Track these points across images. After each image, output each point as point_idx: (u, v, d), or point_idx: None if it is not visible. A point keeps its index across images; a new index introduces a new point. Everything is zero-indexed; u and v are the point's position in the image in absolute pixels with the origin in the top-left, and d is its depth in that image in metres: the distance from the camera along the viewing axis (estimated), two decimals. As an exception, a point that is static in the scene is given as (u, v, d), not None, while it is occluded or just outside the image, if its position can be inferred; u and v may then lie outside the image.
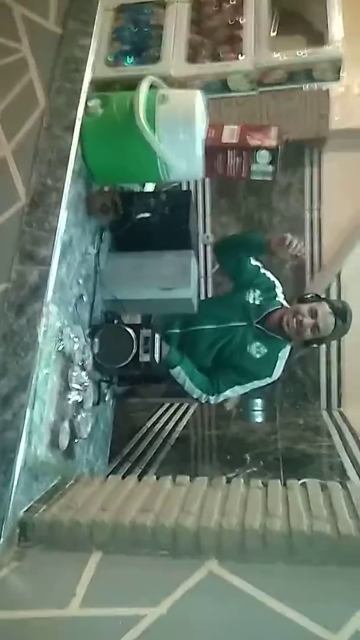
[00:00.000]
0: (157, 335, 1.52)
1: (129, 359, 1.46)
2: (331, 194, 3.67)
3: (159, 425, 2.66)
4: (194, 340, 1.92)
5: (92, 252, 1.50)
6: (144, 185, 1.85)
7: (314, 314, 1.83)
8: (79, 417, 1.24)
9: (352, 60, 3.52)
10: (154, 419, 2.77)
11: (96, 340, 1.48)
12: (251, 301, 1.95)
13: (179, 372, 1.82)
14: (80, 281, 1.42)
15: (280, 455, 2.21)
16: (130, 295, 1.63)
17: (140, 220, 1.66)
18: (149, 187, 1.88)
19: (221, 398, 1.87)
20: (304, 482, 1.20)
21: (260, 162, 1.49)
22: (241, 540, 0.99)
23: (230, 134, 1.49)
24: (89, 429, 1.30)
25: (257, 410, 3.07)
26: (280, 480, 1.81)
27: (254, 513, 1.03)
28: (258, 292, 1.96)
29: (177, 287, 1.60)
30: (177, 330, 1.96)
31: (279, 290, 1.99)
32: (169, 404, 2.94)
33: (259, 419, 2.98)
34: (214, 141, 1.48)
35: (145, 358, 1.47)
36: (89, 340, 1.46)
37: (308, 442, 2.40)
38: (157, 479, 1.24)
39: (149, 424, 2.63)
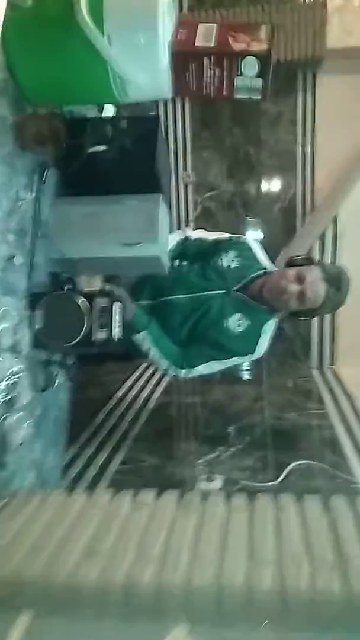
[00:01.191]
0: (117, 305, 1.21)
1: (79, 336, 1.15)
2: (326, 124, 3.27)
3: (132, 394, 2.41)
4: (165, 312, 1.61)
5: (26, 198, 1.16)
6: (101, 110, 1.48)
7: (301, 279, 1.50)
8: (7, 420, 0.95)
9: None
10: (126, 387, 2.51)
11: (37, 312, 1.16)
12: (225, 264, 1.62)
13: (143, 338, 1.52)
14: (11, 237, 1.09)
15: (268, 428, 1.97)
16: (83, 252, 1.30)
17: (93, 155, 1.31)
18: (109, 111, 1.51)
19: (194, 373, 1.58)
20: (302, 498, 0.94)
21: (247, 74, 1.13)
22: (218, 599, 0.73)
23: (206, 36, 1.11)
24: (22, 432, 1.01)
25: (243, 371, 2.81)
26: (268, 461, 1.57)
27: (236, 558, 0.77)
28: (232, 253, 1.62)
29: (142, 241, 1.28)
30: (146, 302, 1.63)
31: (258, 250, 1.66)
32: (144, 367, 2.67)
33: (244, 380, 2.73)
34: (184, 45, 1.11)
35: (101, 335, 1.17)
36: (26, 313, 1.14)
37: (298, 410, 2.17)
38: (115, 493, 0.97)
39: (119, 394, 2.37)
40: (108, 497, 0.97)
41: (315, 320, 2.88)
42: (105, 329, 1.17)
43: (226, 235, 1.69)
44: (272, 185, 3.38)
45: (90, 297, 1.19)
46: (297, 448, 1.79)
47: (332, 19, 3.07)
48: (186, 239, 1.70)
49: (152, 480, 1.56)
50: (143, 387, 2.50)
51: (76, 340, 1.17)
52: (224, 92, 1.18)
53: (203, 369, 1.58)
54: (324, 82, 3.28)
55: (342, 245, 2.70)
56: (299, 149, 3.29)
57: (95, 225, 1.30)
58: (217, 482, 1.53)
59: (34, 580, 0.77)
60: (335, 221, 2.72)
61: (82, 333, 1.17)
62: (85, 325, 1.17)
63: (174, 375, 1.61)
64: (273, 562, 0.76)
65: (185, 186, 3.46)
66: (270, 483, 1.53)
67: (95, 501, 0.96)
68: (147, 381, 2.59)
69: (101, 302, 1.18)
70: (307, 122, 3.29)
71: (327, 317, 2.84)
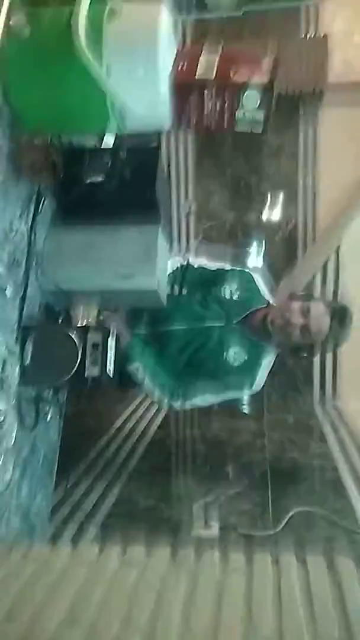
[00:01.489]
0: (110, 340, 1.15)
1: (71, 372, 1.09)
2: (328, 157, 3.26)
3: (127, 427, 2.33)
4: (162, 342, 1.55)
5: (20, 229, 1.11)
6: (101, 141, 1.45)
7: (305, 312, 1.46)
8: (-11, 465, 0.88)
9: (353, 6, 3.09)
10: (122, 420, 2.43)
11: (28, 346, 1.11)
12: (227, 296, 1.58)
13: (137, 369, 1.47)
14: (1, 269, 1.04)
15: (268, 468, 1.89)
16: (78, 283, 1.25)
17: (91, 185, 1.28)
18: (108, 142, 1.48)
19: (187, 405, 1.52)
20: (304, 558, 0.87)
21: (248, 107, 1.10)
22: None
23: (207, 67, 1.09)
24: (8, 475, 0.94)
25: (242, 405, 2.74)
26: (269, 506, 1.49)
27: (231, 632, 0.70)
28: (234, 285, 1.58)
29: (138, 273, 1.23)
30: (143, 331, 1.58)
31: (260, 283, 1.62)
32: (141, 399, 2.59)
33: (244, 414, 2.65)
34: (185, 77, 1.08)
35: (93, 372, 1.11)
36: (16, 347, 1.09)
37: (300, 450, 2.09)
38: (101, 550, 0.90)
39: (114, 427, 2.29)
40: (95, 553, 0.89)
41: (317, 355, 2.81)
42: (98, 366, 1.11)
43: (229, 266, 1.65)
44: (273, 215, 3.36)
45: (83, 331, 1.13)
46: (298, 491, 1.71)
47: (334, 53, 3.10)
48: (187, 265, 1.66)
49: (146, 525, 1.48)
50: (139, 420, 2.42)
51: (67, 377, 1.11)
52: (225, 125, 1.15)
53: (197, 401, 1.53)
54: (326, 116, 3.29)
55: (344, 277, 2.66)
56: (301, 181, 3.28)
57: (92, 256, 1.25)
58: (214, 529, 1.45)
59: (8, 652, 0.69)
60: (337, 252, 2.69)
61: (74, 369, 1.11)
62: (77, 362, 1.11)
63: (168, 407, 1.55)
64: (272, 638, 0.68)
65: (187, 215, 3.44)
66: (269, 533, 1.44)
67: (80, 557, 0.89)
68: (143, 414, 2.52)
69: (95, 337, 1.12)
70: (309, 154, 3.29)
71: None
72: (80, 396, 2.34)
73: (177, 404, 1.52)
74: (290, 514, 1.53)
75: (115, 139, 1.52)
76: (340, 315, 1.47)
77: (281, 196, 3.31)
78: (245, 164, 3.32)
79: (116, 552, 0.89)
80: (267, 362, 1.53)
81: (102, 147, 1.44)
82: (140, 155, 1.33)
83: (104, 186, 1.28)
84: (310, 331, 1.45)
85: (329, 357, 2.77)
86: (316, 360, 2.79)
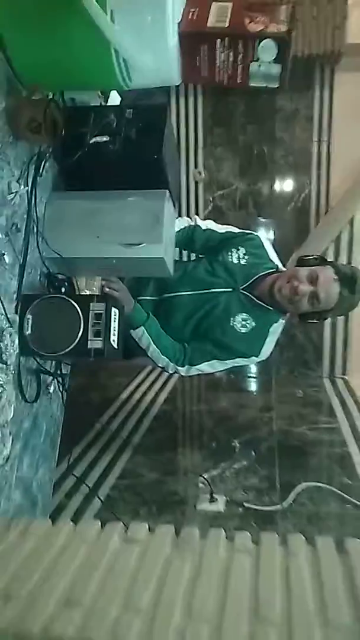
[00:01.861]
0: (114, 311, 1.10)
1: (73, 343, 1.05)
2: (344, 123, 3.14)
3: (133, 400, 2.30)
4: (168, 309, 1.51)
5: (19, 191, 1.05)
6: (106, 99, 1.37)
7: (313, 279, 1.41)
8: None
9: None
10: (128, 392, 2.41)
11: (28, 316, 1.06)
12: (235, 261, 1.52)
13: (142, 334, 1.44)
14: (0, 234, 0.99)
15: (276, 442, 1.86)
16: (81, 252, 1.20)
17: (95, 146, 1.21)
18: (114, 101, 1.40)
19: (194, 371, 1.49)
20: (313, 540, 0.83)
21: (263, 59, 1.01)
22: (216, 665, 0.62)
23: (219, 15, 1.01)
24: (7, 449, 0.91)
25: (251, 378, 2.70)
26: (276, 481, 1.46)
27: (237, 616, 0.66)
28: (242, 249, 1.52)
29: (145, 242, 1.17)
30: (149, 298, 1.54)
31: (269, 248, 1.55)
32: (148, 370, 2.56)
33: (252, 388, 2.62)
34: (195, 25, 1.00)
35: (96, 344, 1.06)
36: (16, 317, 1.04)
37: (308, 424, 2.05)
38: (102, 525, 0.86)
39: (119, 400, 2.27)
40: (96, 530, 0.86)
41: (327, 327, 2.76)
42: (101, 336, 1.06)
43: (237, 229, 1.59)
44: (285, 184, 3.26)
45: (86, 301, 1.08)
46: (306, 466, 1.67)
47: (353, 13, 2.94)
48: (195, 227, 1.60)
49: (151, 499, 1.46)
50: (145, 393, 2.39)
51: (69, 348, 1.06)
52: (238, 79, 1.07)
53: (204, 367, 1.50)
54: (343, 80, 3.15)
55: (357, 250, 2.58)
56: (315, 148, 3.16)
57: (94, 223, 1.19)
58: (220, 504, 1.42)
59: (2, 632, 0.66)
60: (351, 224, 2.60)
61: (76, 340, 1.06)
62: (80, 332, 1.06)
63: (173, 372, 1.52)
64: (280, 624, 0.65)
65: (196, 184, 3.35)
66: (276, 507, 1.42)
67: (81, 534, 0.86)
68: (149, 388, 2.49)
69: (97, 307, 1.07)
70: (324, 120, 3.16)
71: (340, 323, 2.71)
72: (84, 369, 2.33)
73: (183, 370, 1.49)
74: (298, 488, 1.50)
75: (121, 97, 1.45)
76: (350, 281, 1.41)
77: (294, 164, 3.21)
78: (258, 131, 3.20)
79: (118, 529, 0.85)
80: (276, 329, 1.49)
81: (106, 105, 1.37)
82: (147, 114, 1.25)
83: (108, 147, 1.21)
84: (319, 299, 1.39)
85: (339, 331, 2.71)
86: (326, 334, 2.74)
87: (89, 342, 1.07)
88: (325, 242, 2.68)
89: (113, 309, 1.11)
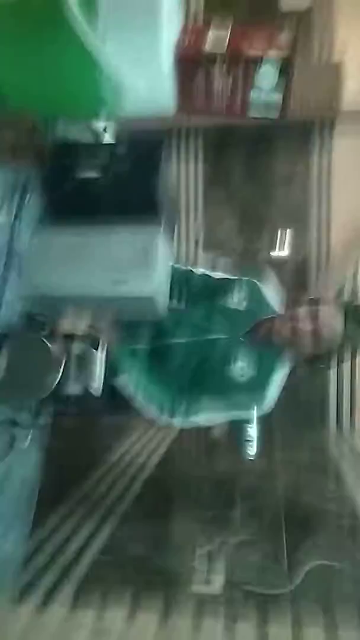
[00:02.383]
0: (99, 352, 0.98)
1: (49, 390, 0.91)
2: (342, 185, 3.16)
3: (123, 462, 2.12)
4: (162, 357, 1.39)
5: (0, 221, 0.96)
6: (97, 136, 1.32)
7: (313, 317, 1.29)
8: None
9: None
10: (119, 453, 2.22)
11: (2, 357, 0.94)
12: (233, 306, 1.42)
13: (126, 381, 1.29)
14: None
15: (280, 512, 1.67)
16: (65, 289, 1.09)
17: (85, 181, 1.14)
18: (108, 137, 1.36)
19: (188, 424, 1.33)
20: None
21: (263, 86, 0.96)
22: None
23: (217, 41, 0.96)
24: None
25: (251, 441, 2.51)
26: (283, 558, 1.28)
27: None
28: (241, 294, 1.42)
29: (134, 278, 1.07)
30: (142, 347, 1.42)
31: (268, 294, 1.46)
32: (142, 431, 2.39)
33: (253, 452, 2.43)
34: (191, 50, 0.95)
35: (75, 390, 0.93)
36: (-14, 357, 0.92)
37: (317, 491, 1.86)
38: (72, 612, 0.70)
39: (108, 461, 2.08)
40: (61, 617, 0.69)
41: (332, 384, 2.61)
42: (81, 383, 0.93)
43: (233, 276, 1.50)
44: (284, 244, 3.23)
45: (66, 341, 0.96)
46: (315, 541, 1.48)
47: (348, 83, 3.04)
48: (190, 272, 1.50)
49: (136, 578, 1.26)
50: (137, 455, 2.21)
51: (45, 395, 0.93)
52: (237, 109, 1.01)
53: (200, 419, 1.34)
54: (340, 144, 3.21)
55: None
56: (314, 209, 3.16)
57: (82, 258, 1.10)
58: (217, 585, 1.22)
59: None
60: (355, 277, 2.53)
61: (52, 386, 0.93)
62: (57, 377, 0.93)
63: (167, 424, 1.36)
64: None
65: (196, 243, 3.33)
66: (282, 591, 1.22)
67: (44, 621, 0.69)
68: (143, 448, 2.31)
69: (79, 348, 0.95)
70: (322, 182, 3.18)
71: (346, 380, 2.57)
72: (69, 427, 2.15)
73: (177, 421, 1.33)
74: (307, 567, 1.30)
75: (116, 137, 1.40)
76: (354, 314, 1.29)
77: (293, 225, 3.20)
78: (256, 191, 3.22)
79: (88, 617, 0.68)
80: (279, 377, 1.35)
81: (98, 142, 1.32)
82: (142, 149, 1.19)
83: (99, 182, 1.14)
84: (322, 336, 1.27)
85: (346, 387, 2.56)
86: (332, 391, 2.59)
87: (66, 388, 0.94)
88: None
89: (98, 353, 0.99)
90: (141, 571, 1.29)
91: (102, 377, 1.00)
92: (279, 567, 1.32)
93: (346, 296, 2.61)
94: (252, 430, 2.35)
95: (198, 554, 1.36)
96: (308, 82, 2.93)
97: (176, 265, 1.54)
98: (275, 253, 3.21)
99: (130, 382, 1.29)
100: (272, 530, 1.52)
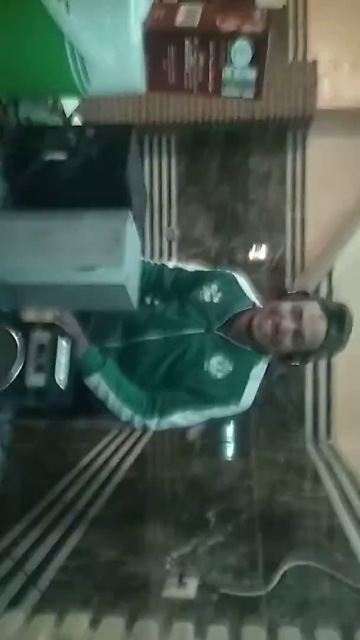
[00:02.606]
0: (63, 342, 0.92)
1: (7, 382, 0.85)
2: (316, 185, 3.17)
3: (95, 465, 2.05)
4: (135, 355, 1.32)
5: None
6: (64, 118, 1.27)
7: (297, 315, 1.25)
8: None
9: (343, 36, 3.07)
10: (90, 456, 2.15)
11: None
12: (207, 299, 1.36)
13: (98, 382, 1.22)
14: None
15: (256, 513, 1.63)
16: (29, 277, 1.03)
17: (51, 164, 1.08)
18: (75, 121, 1.30)
19: (165, 424, 1.27)
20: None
21: (237, 63, 0.92)
22: None
23: (188, 15, 0.91)
24: None
25: (226, 442, 2.48)
26: (258, 559, 1.24)
27: None
28: (215, 286, 1.37)
29: (102, 265, 1.01)
30: (115, 345, 1.35)
31: (244, 284, 1.41)
32: (115, 433, 2.33)
33: (229, 454, 2.38)
34: (162, 24, 0.91)
35: (37, 382, 0.86)
36: None
37: (293, 492, 1.83)
38: (33, 615, 0.64)
39: (79, 464, 2.01)
40: (20, 624, 0.63)
41: (309, 385, 2.59)
42: (43, 373, 0.87)
43: (207, 268, 1.45)
44: (260, 244, 3.22)
45: (27, 329, 0.89)
46: (292, 541, 1.44)
47: (323, 81, 3.04)
48: (163, 266, 1.45)
49: (106, 584, 1.20)
50: (110, 458, 2.14)
51: (3, 387, 0.86)
52: (210, 88, 0.96)
53: (176, 419, 1.27)
54: (314, 143, 3.22)
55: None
56: (289, 208, 3.16)
57: (47, 244, 1.03)
58: (190, 589, 1.16)
59: None
60: (329, 277, 2.52)
61: (11, 377, 0.86)
62: (17, 367, 0.87)
63: (142, 428, 1.29)
64: None
65: (169, 243, 3.29)
66: (258, 592, 1.17)
67: (3, 626, 0.62)
68: (116, 450, 2.24)
69: (40, 337, 0.88)
70: (297, 181, 3.19)
71: (322, 381, 2.55)
72: (39, 429, 2.09)
73: (152, 423, 1.26)
74: (284, 568, 1.26)
75: (84, 119, 1.36)
76: (338, 318, 1.25)
77: (268, 224, 3.19)
78: (232, 191, 3.20)
79: (49, 623, 0.62)
80: (257, 373, 1.30)
81: (65, 123, 1.26)
82: (111, 133, 1.14)
83: (66, 165, 1.08)
84: (304, 338, 1.23)
85: (322, 390, 2.55)
86: (308, 394, 2.57)
87: (27, 379, 0.87)
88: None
89: (61, 341, 0.93)
90: (112, 577, 1.23)
91: (68, 368, 0.94)
92: (254, 568, 1.28)
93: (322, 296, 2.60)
94: (230, 431, 2.31)
95: (171, 557, 1.31)
96: (283, 81, 2.94)
97: (147, 260, 1.50)
98: (252, 254, 3.20)
99: (102, 382, 1.22)
100: (248, 532, 1.47)
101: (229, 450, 2.42)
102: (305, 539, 1.46)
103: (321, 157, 3.18)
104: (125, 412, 1.25)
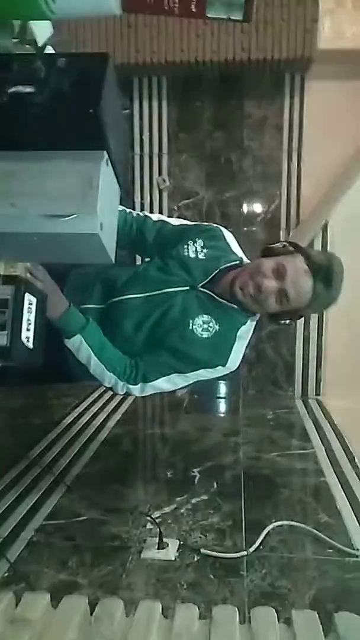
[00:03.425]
0: (29, 298, 0.84)
1: (-33, 339, 0.78)
2: (314, 132, 3.00)
3: (79, 423, 2.01)
4: (116, 316, 1.24)
5: None
6: (39, 47, 1.14)
7: (280, 273, 1.16)
8: None
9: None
10: (76, 413, 2.12)
11: None
12: (192, 255, 1.27)
13: (79, 345, 1.15)
14: None
15: (242, 471, 1.60)
16: (-8, 225, 0.93)
17: (16, 98, 0.96)
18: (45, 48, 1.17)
19: (149, 390, 1.21)
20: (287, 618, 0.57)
21: (224, -23, 0.80)
22: None
23: None
24: None
25: (215, 399, 2.45)
26: (242, 519, 1.21)
27: None
28: (200, 242, 1.27)
29: (73, 212, 0.92)
30: (95, 305, 1.27)
31: (231, 240, 1.32)
32: (102, 390, 2.28)
33: (217, 410, 2.36)
34: None
35: (1, 340, 0.79)
36: None
37: (279, 449, 1.80)
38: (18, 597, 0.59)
39: (63, 423, 1.98)
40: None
41: (299, 342, 2.54)
42: (5, 332, 0.79)
43: (193, 222, 1.36)
44: (254, 194, 3.08)
45: (-13, 283, 0.81)
46: (277, 500, 1.41)
47: (324, 19, 2.83)
48: (145, 218, 1.35)
49: (85, 545, 1.17)
50: (96, 414, 2.11)
51: None
52: (192, 7, 0.85)
53: (161, 383, 1.21)
54: (313, 87, 3.03)
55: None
56: (285, 157, 3.00)
57: (11, 189, 0.93)
58: (171, 551, 1.14)
59: None
60: (325, 230, 2.42)
61: (-28, 335, 0.79)
62: (-22, 325, 0.79)
63: (124, 393, 1.24)
64: None
65: (160, 192, 3.14)
66: (240, 553, 1.14)
67: None
68: (103, 406, 2.21)
69: (1, 291, 0.80)
70: (294, 128, 3.02)
71: (313, 337, 2.49)
72: (24, 386, 2.03)
73: (136, 389, 1.21)
74: (267, 529, 1.23)
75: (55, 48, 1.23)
76: (325, 272, 1.16)
77: (263, 173, 3.04)
78: (225, 138, 3.04)
79: (4, 603, 0.57)
80: (244, 332, 1.24)
81: (35, 51, 1.14)
82: (85, 64, 1.02)
83: (34, 98, 0.96)
84: (288, 297, 1.15)
85: (312, 346, 2.50)
86: (298, 350, 2.52)
87: (-10, 337, 0.80)
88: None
89: (27, 296, 0.85)
90: (91, 537, 1.20)
91: (35, 325, 0.87)
92: (238, 528, 1.25)
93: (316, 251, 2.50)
94: (218, 388, 2.26)
95: (155, 515, 1.28)
96: (281, 17, 2.73)
97: (129, 210, 1.39)
98: (246, 206, 3.08)
99: (83, 344, 1.14)
100: (233, 490, 1.45)
101: (217, 407, 2.40)
102: (290, 498, 1.44)
103: (320, 102, 3.00)
104: (108, 377, 1.19)
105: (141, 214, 1.38)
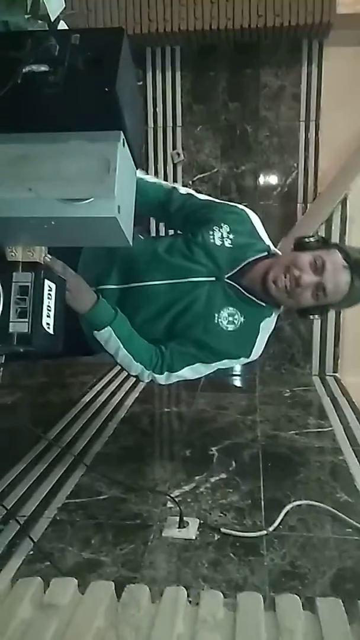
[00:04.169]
0: (49, 284, 0.84)
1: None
2: (333, 101, 2.91)
3: (98, 402, 2.04)
4: (136, 301, 1.24)
5: None
6: (52, 22, 1.11)
7: (318, 267, 1.15)
8: None
9: None
10: (94, 391, 2.14)
11: None
12: (218, 242, 1.24)
13: (109, 337, 1.15)
14: None
15: (260, 450, 1.61)
16: (8, 210, 0.93)
17: (30, 77, 0.94)
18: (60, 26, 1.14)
19: (174, 379, 1.24)
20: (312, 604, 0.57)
21: None
22: None
23: None
24: None
25: (232, 376, 2.45)
26: (261, 498, 1.22)
27: None
28: (226, 227, 1.25)
29: (91, 196, 0.90)
30: (112, 286, 1.27)
31: (258, 225, 1.30)
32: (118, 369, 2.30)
33: (233, 388, 2.36)
34: None
35: (20, 328, 0.79)
36: None
37: (297, 428, 1.81)
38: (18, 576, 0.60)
39: (82, 401, 2.00)
40: (6, 584, 0.60)
41: (317, 320, 2.51)
42: (26, 319, 0.79)
43: (219, 200, 1.33)
44: (271, 167, 3.02)
45: (6, 270, 0.81)
46: (296, 479, 1.42)
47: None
48: (173, 188, 1.33)
49: (107, 523, 1.19)
50: (114, 393, 2.13)
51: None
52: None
53: (186, 372, 1.24)
54: (332, 54, 2.92)
55: (352, 231, 2.34)
56: (302, 128, 2.92)
57: (27, 173, 0.92)
58: (191, 530, 1.16)
59: None
60: (344, 204, 2.36)
61: (-7, 322, 0.79)
62: (-2, 312, 0.80)
63: (150, 381, 1.25)
64: None
65: (174, 166, 3.09)
66: (260, 532, 1.16)
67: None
68: (120, 385, 2.22)
69: (23, 278, 0.80)
70: (312, 97, 2.92)
71: (331, 315, 2.47)
72: (41, 366, 2.06)
73: (162, 378, 1.23)
74: (286, 508, 1.25)
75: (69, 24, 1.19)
76: None
77: (280, 145, 2.97)
78: (241, 109, 2.96)
79: (33, 589, 0.59)
80: (268, 324, 1.24)
81: (47, 28, 1.11)
82: (99, 40, 0.99)
83: (48, 78, 0.94)
84: (326, 291, 1.15)
85: (330, 324, 2.47)
86: (316, 328, 2.50)
87: (10, 325, 0.80)
88: (315, 224, 2.43)
89: (47, 282, 0.85)
90: (113, 515, 1.22)
91: (55, 311, 0.87)
92: (257, 507, 1.27)
93: (334, 227, 2.44)
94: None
95: (175, 494, 1.30)
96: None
97: (159, 182, 1.36)
98: (262, 179, 3.02)
99: (112, 336, 1.15)
100: (251, 468, 1.46)
101: (235, 384, 2.40)
102: (309, 477, 1.45)
103: (339, 69, 2.89)
104: (135, 367, 1.20)
105: (170, 185, 1.36)
